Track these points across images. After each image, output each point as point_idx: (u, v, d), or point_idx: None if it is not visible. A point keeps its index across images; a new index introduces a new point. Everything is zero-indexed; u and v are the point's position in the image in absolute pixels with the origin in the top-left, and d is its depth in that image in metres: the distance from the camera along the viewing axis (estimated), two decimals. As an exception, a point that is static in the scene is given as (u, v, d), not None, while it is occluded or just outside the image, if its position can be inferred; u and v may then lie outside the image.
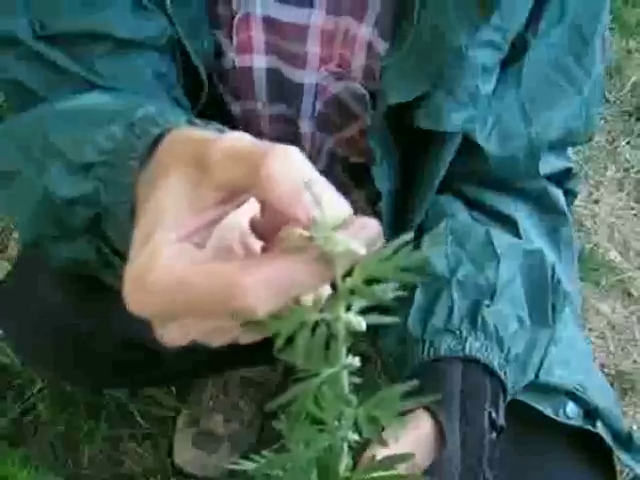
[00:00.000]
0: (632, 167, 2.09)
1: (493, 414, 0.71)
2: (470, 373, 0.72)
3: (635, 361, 1.61)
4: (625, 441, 0.87)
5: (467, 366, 0.72)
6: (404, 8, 0.75)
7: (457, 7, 0.73)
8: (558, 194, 0.88)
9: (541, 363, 0.80)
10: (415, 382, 0.38)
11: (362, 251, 0.36)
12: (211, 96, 0.86)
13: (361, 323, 0.37)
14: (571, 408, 0.84)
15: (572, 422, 0.83)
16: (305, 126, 0.89)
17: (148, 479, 1.32)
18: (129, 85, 0.75)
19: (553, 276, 0.80)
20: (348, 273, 0.37)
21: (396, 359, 0.78)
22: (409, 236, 0.37)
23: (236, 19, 0.81)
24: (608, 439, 0.85)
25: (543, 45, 0.80)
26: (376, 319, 0.37)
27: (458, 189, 0.86)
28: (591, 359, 0.99)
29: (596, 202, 1.98)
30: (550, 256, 0.82)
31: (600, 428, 0.85)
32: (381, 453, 0.42)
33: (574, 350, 0.89)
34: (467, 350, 0.72)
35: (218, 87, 0.89)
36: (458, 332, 0.74)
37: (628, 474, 1.26)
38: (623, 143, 2.14)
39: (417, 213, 0.84)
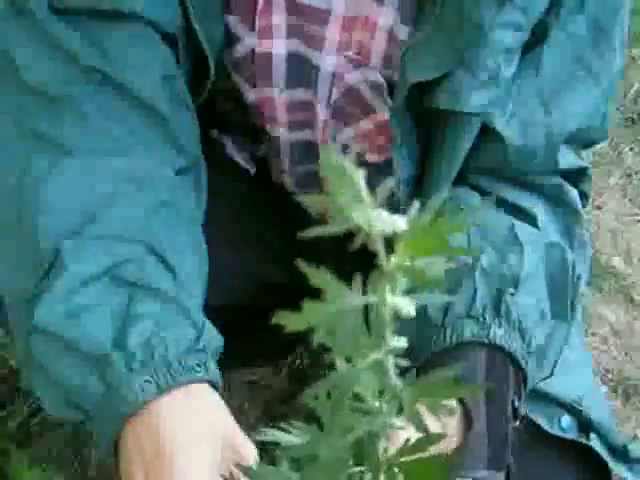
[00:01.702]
0: (635, 173, 2.10)
1: (516, 402, 0.71)
2: (494, 360, 0.72)
3: (638, 366, 1.62)
4: (621, 453, 0.87)
5: (490, 353, 0.72)
6: None
7: None
8: (574, 192, 0.88)
9: (557, 359, 0.80)
10: (461, 365, 0.38)
11: (404, 226, 0.34)
12: (219, 84, 0.86)
13: (409, 306, 0.35)
14: (566, 420, 0.84)
15: (566, 435, 0.84)
16: (320, 113, 0.89)
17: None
18: (134, 76, 0.76)
19: (574, 272, 0.81)
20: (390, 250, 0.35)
21: (412, 347, 0.78)
22: (441, 197, 0.37)
23: (260, 4, 0.81)
24: (602, 451, 0.85)
25: (563, 34, 0.80)
26: (425, 298, 0.36)
27: (476, 184, 0.86)
28: (589, 367, 1.00)
29: (599, 208, 1.99)
30: (569, 252, 0.83)
31: (594, 440, 0.85)
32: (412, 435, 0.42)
33: (575, 360, 0.89)
34: (491, 336, 0.72)
35: (231, 75, 0.89)
36: (482, 319, 0.73)
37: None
38: (626, 149, 2.16)
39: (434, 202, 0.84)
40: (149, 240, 0.71)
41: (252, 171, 1.02)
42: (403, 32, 0.80)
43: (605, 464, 0.85)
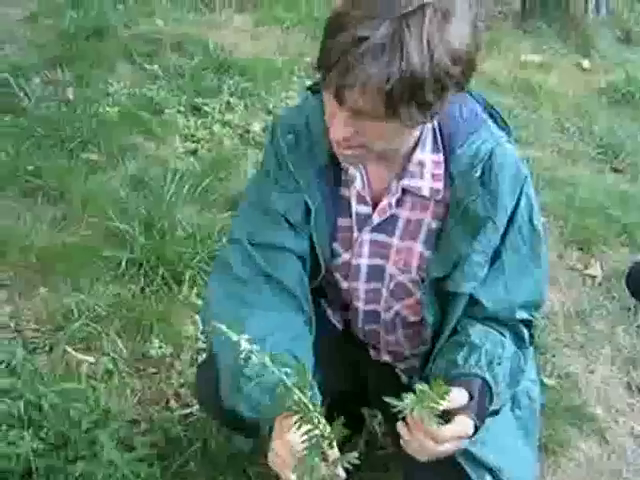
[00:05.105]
0: (625, 348, 2.74)
1: (489, 406, 1.41)
2: (483, 387, 1.40)
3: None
4: None
5: (482, 383, 1.40)
6: (439, 233, 1.51)
7: (464, 232, 1.47)
8: (525, 330, 1.58)
9: (504, 403, 1.50)
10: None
11: None
12: (326, 277, 1.63)
13: None
14: (488, 477, 1.50)
15: None
16: (383, 293, 1.64)
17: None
18: (284, 277, 1.54)
19: (521, 368, 1.53)
20: None
21: (441, 377, 1.34)
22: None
23: (356, 243, 1.58)
24: None
25: (511, 254, 1.52)
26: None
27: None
28: (521, 458, 1.62)
29: (592, 372, 2.62)
30: (522, 357, 1.54)
31: None
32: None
33: (506, 446, 1.56)
34: (484, 376, 1.41)
35: (333, 272, 1.65)
36: (483, 369, 1.42)
37: None
38: (619, 330, 2.81)
39: (447, 331, 1.55)
40: (290, 349, 1.45)
41: (340, 327, 1.80)
42: (428, 253, 1.54)
43: None
